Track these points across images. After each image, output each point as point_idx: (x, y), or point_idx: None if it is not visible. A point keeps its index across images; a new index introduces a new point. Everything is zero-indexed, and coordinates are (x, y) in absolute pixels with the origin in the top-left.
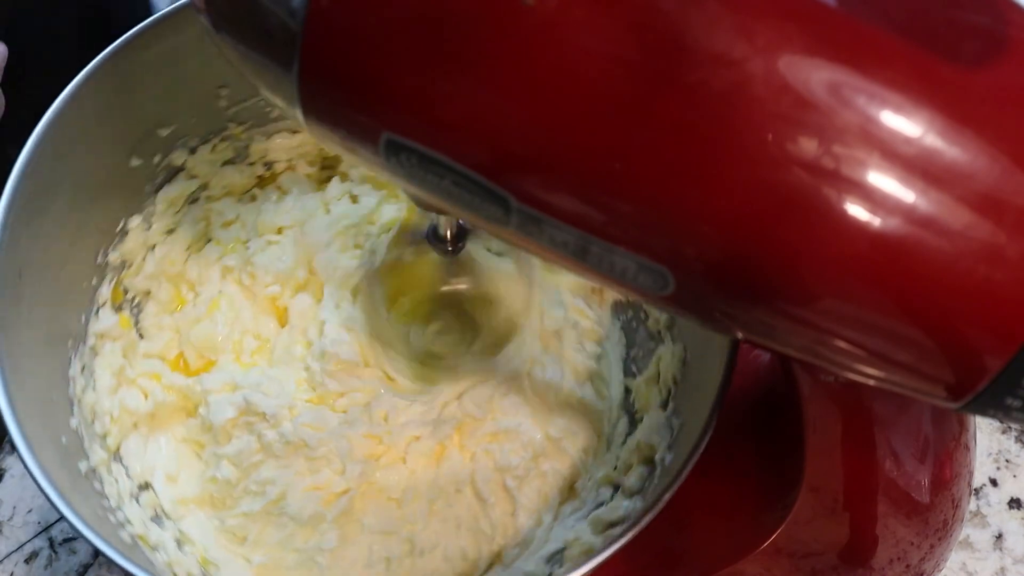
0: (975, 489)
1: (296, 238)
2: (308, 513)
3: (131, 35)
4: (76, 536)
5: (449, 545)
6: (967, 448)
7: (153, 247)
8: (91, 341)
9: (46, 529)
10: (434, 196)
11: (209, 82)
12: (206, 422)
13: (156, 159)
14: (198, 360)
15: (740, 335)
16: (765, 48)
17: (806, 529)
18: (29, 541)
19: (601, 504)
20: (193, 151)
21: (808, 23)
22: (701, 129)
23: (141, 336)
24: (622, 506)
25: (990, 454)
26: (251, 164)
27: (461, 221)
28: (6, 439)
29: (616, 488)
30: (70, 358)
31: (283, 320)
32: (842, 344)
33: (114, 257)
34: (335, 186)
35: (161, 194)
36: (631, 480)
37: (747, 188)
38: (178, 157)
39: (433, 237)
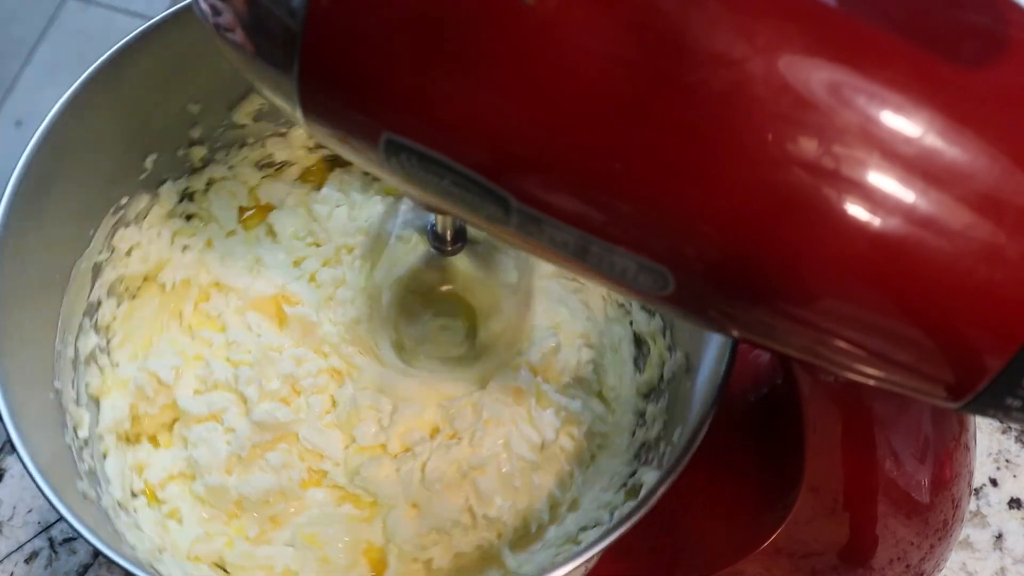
0: (975, 489)
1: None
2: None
3: None
4: (76, 536)
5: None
6: (967, 448)
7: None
8: None
9: (46, 529)
10: (434, 196)
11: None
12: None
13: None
14: None
15: (740, 335)
16: (765, 48)
17: (806, 529)
18: (29, 541)
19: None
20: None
21: (808, 23)
22: (701, 129)
23: None
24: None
25: (990, 454)
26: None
27: (460, 221)
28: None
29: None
30: None
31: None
32: (842, 344)
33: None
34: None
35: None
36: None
37: (747, 188)
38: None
39: (433, 237)
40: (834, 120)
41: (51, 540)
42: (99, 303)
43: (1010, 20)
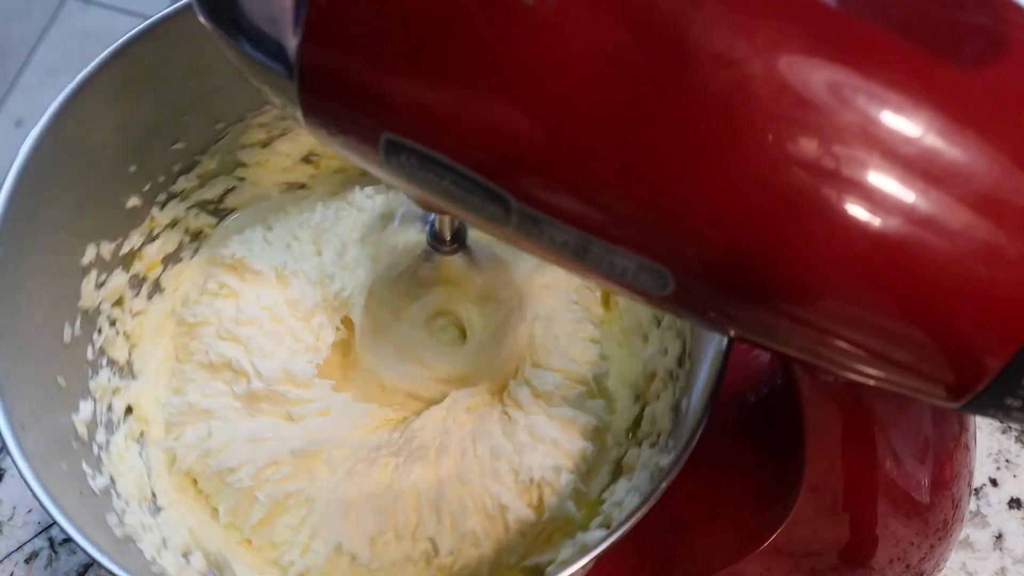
0: (975, 489)
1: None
2: None
3: None
4: None
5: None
6: (967, 448)
7: None
8: None
9: (46, 529)
10: (434, 196)
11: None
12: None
13: None
14: None
15: (739, 335)
16: (765, 48)
17: (806, 529)
18: (29, 541)
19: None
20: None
21: (808, 23)
22: (701, 129)
23: None
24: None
25: (990, 454)
26: None
27: (460, 221)
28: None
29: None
30: None
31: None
32: (842, 344)
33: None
34: None
35: None
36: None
37: (747, 188)
38: None
39: (432, 237)
40: (834, 120)
41: (51, 540)
42: (102, 300)
43: (1010, 20)
